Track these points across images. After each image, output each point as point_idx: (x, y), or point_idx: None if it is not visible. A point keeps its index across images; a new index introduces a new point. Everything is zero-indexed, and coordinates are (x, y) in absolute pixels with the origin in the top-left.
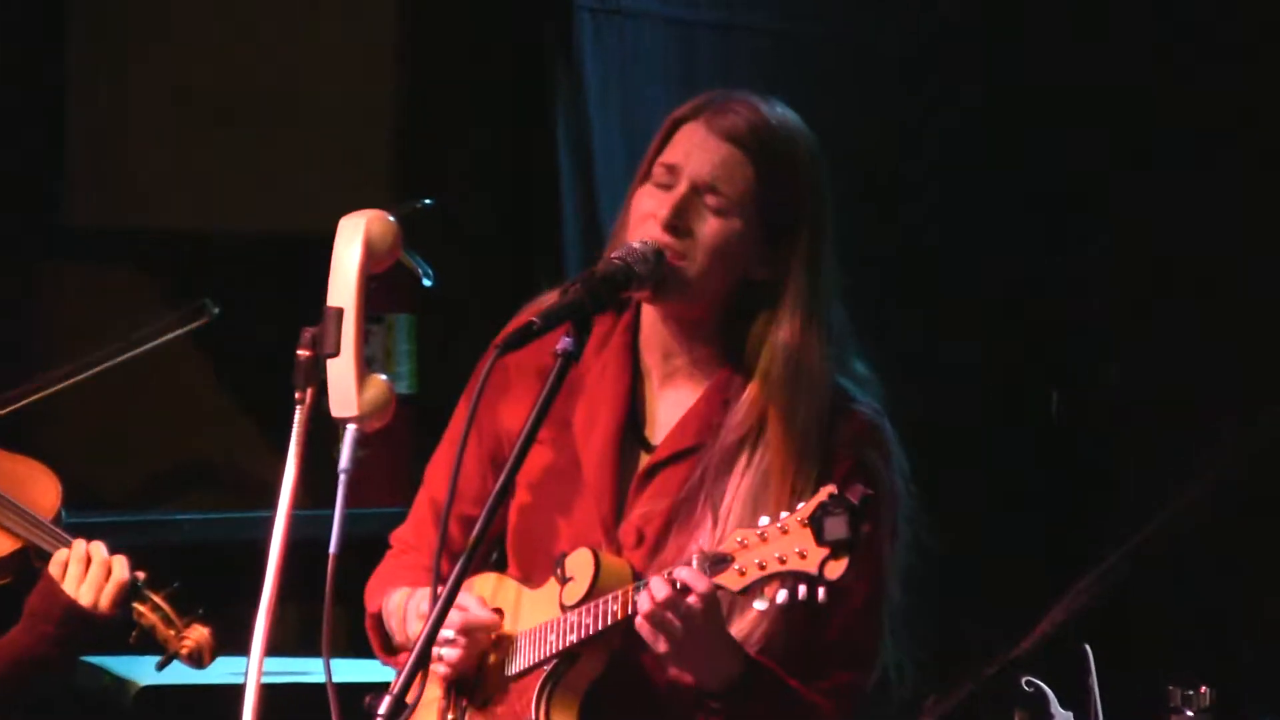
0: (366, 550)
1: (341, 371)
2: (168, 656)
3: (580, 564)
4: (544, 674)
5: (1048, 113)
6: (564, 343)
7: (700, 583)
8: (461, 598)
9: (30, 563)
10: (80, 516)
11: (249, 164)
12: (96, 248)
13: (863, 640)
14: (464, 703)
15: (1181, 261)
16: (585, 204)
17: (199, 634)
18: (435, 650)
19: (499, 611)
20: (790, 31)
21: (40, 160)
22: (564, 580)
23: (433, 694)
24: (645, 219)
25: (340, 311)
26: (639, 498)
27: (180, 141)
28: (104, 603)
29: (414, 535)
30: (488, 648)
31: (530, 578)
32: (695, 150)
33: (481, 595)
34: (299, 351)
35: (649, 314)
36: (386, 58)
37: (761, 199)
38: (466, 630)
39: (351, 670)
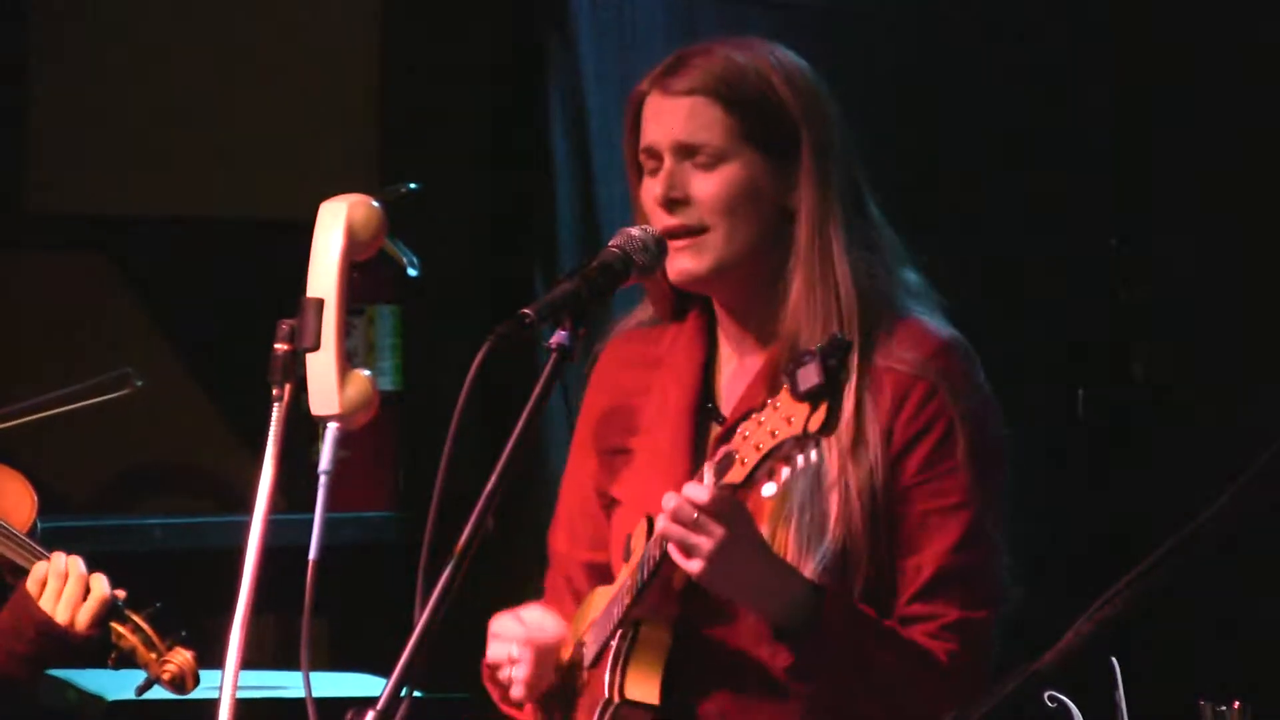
0: (348, 557)
1: (321, 367)
2: (148, 681)
3: (639, 535)
4: (613, 650)
5: (1083, 108)
6: (559, 336)
7: (701, 493)
8: (540, 617)
9: (2, 577)
10: (43, 521)
11: (220, 148)
12: (59, 236)
13: (973, 573)
14: (554, 712)
15: (1219, 251)
16: (581, 189)
17: (182, 658)
18: (503, 673)
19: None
20: (801, 3)
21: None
22: (628, 558)
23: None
24: (652, 209)
25: (320, 303)
26: None
27: (146, 126)
28: (81, 621)
29: (548, 583)
30: (560, 662)
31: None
32: (660, 122)
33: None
34: (276, 345)
35: (716, 299)
36: (369, 37)
37: (746, 131)
38: (529, 643)
39: (332, 685)
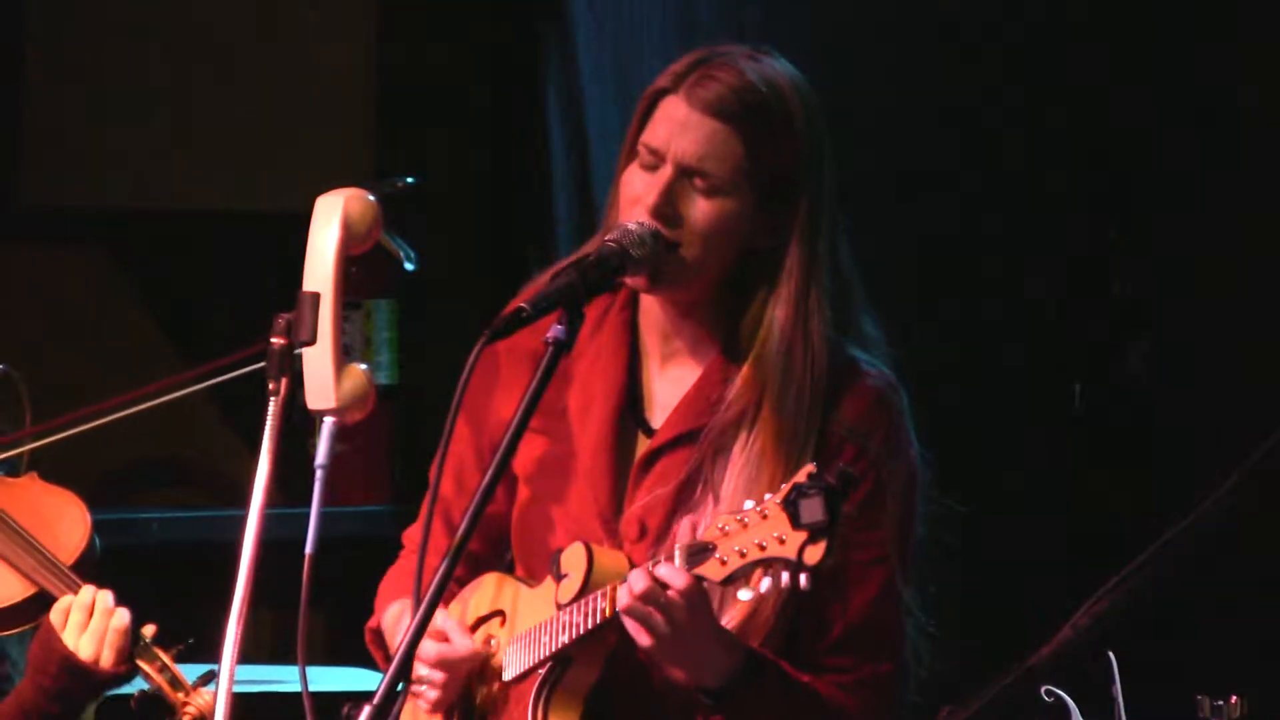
0: (344, 550)
1: (318, 361)
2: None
3: (574, 559)
4: (539, 678)
5: (1084, 105)
6: (555, 330)
7: (678, 579)
8: (444, 623)
9: (48, 607)
10: None
11: (217, 142)
12: (56, 229)
13: (884, 628)
14: (464, 712)
15: (1217, 245)
16: (578, 183)
17: (204, 700)
18: (415, 685)
19: (499, 614)
20: None
21: None
22: (559, 578)
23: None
24: (634, 203)
25: (316, 297)
26: (640, 487)
27: (142, 119)
28: (106, 658)
29: (425, 510)
30: (473, 676)
31: (534, 576)
32: (677, 131)
33: (459, 616)
34: (272, 339)
35: (646, 294)
36: (366, 31)
37: (753, 171)
38: (442, 664)
39: (329, 679)
